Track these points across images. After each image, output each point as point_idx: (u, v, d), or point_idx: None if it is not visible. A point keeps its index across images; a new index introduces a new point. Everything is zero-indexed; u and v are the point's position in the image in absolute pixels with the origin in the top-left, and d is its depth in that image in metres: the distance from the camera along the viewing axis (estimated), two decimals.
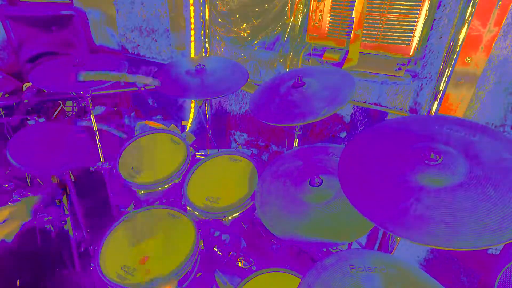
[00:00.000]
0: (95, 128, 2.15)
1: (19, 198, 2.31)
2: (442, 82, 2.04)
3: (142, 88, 2.93)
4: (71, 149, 1.96)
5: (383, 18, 2.12)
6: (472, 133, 1.17)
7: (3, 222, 1.94)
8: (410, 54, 2.13)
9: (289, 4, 2.49)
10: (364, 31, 2.18)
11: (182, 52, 3.20)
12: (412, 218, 0.95)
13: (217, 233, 2.10)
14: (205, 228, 1.95)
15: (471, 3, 1.81)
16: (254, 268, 1.86)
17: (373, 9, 2.13)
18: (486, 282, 1.38)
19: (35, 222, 2.18)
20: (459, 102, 2.05)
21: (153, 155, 2.17)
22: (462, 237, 0.88)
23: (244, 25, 2.75)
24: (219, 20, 2.85)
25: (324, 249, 1.92)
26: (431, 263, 2.40)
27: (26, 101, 2.62)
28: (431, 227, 0.92)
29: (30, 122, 2.27)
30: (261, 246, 2.15)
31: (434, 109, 2.11)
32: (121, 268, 1.59)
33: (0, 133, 2.67)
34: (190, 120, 3.36)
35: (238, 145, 3.33)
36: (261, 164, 2.36)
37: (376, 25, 2.15)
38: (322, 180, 1.53)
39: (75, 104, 3.13)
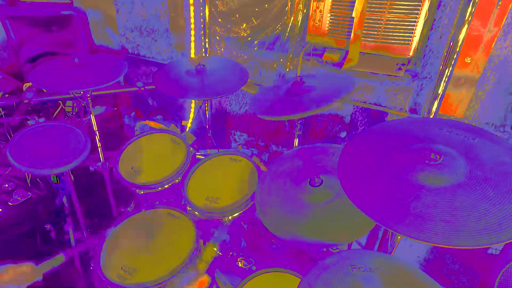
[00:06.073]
0: (95, 128, 2.15)
1: (19, 198, 2.31)
2: (442, 82, 2.04)
3: (142, 88, 2.94)
4: (70, 149, 1.96)
5: (383, 18, 2.12)
6: (471, 136, 1.17)
7: None
8: (410, 54, 2.13)
9: (289, 4, 2.49)
10: (364, 31, 2.19)
11: (182, 52, 3.20)
12: (412, 216, 0.95)
13: (216, 233, 2.10)
14: (206, 228, 1.95)
15: (471, 3, 1.82)
16: (254, 268, 1.86)
17: (373, 9, 2.13)
18: (486, 282, 1.38)
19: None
20: (459, 102, 2.05)
21: (153, 155, 2.17)
22: (461, 235, 0.88)
23: (244, 25, 2.75)
24: (219, 20, 2.85)
25: (324, 249, 1.92)
26: (431, 263, 2.40)
27: (26, 101, 2.62)
28: (431, 224, 0.92)
29: (30, 122, 2.27)
30: (261, 246, 2.15)
31: (434, 109, 2.12)
32: (121, 268, 1.59)
33: (0, 133, 2.67)
34: (190, 120, 3.36)
35: (238, 145, 3.33)
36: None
37: (376, 25, 2.15)
38: (322, 180, 1.53)
39: (75, 104, 3.13)
